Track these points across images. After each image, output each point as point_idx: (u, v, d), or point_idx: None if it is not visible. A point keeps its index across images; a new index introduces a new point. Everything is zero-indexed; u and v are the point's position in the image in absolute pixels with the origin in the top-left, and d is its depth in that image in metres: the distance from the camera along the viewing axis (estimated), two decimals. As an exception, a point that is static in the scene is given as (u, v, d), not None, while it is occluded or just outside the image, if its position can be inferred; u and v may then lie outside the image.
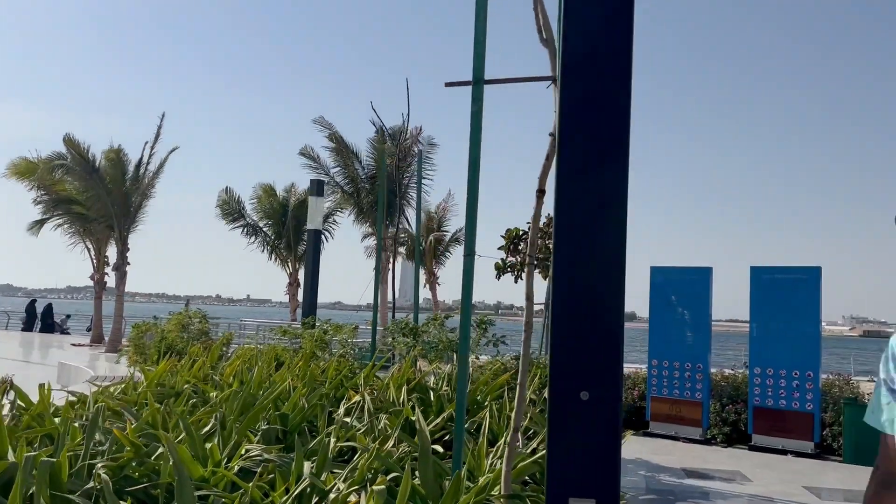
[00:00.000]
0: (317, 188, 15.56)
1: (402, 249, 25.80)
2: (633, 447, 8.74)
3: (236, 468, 4.13)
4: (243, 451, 4.31)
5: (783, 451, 8.94)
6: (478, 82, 3.44)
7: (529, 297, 3.40)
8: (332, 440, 4.38)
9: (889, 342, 1.55)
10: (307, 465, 3.85)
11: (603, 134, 2.28)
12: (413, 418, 5.30)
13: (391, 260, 22.29)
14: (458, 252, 33.56)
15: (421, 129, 22.40)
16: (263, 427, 5.03)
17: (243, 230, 26.94)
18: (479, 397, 6.88)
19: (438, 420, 5.76)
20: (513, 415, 3.45)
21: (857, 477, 7.71)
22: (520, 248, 13.45)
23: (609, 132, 2.27)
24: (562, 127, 2.30)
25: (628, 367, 13.92)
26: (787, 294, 9.33)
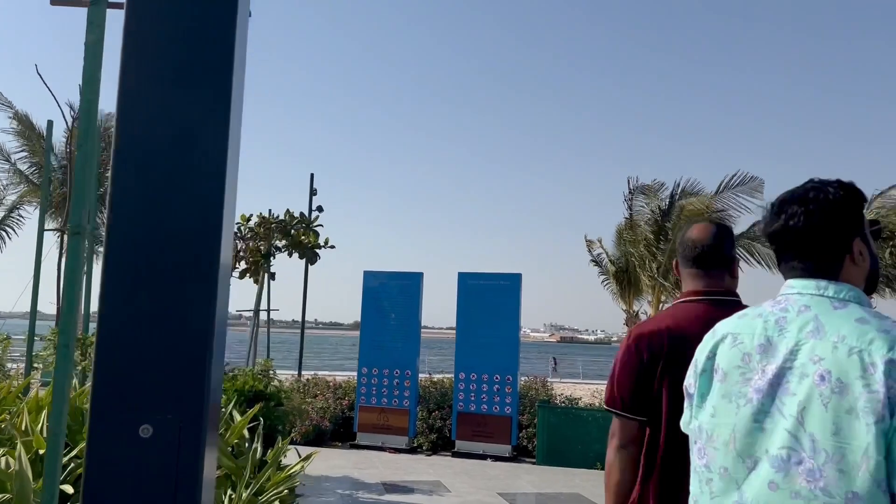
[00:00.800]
0: (-23, 171, 12.93)
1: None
2: (336, 461, 8.20)
3: None
4: None
5: (483, 456, 9.00)
6: (97, 3, 2.57)
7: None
8: None
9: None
10: None
11: (189, 68, 1.57)
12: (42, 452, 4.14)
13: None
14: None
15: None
16: None
17: None
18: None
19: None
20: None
21: (548, 479, 7.93)
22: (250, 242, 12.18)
23: (198, 68, 1.57)
24: (124, 50, 1.58)
25: (341, 376, 13.45)
26: (490, 299, 9.49)
